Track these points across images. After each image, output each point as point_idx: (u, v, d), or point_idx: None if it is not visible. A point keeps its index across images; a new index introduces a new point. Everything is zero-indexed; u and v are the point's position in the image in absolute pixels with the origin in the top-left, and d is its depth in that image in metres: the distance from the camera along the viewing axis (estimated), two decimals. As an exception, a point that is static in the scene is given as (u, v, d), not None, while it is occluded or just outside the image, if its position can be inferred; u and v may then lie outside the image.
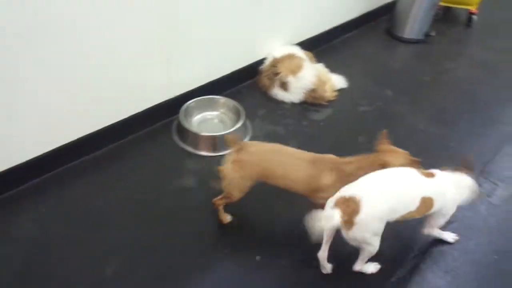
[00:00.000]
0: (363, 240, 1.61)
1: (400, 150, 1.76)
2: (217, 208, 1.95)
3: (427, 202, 1.65)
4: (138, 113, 2.44)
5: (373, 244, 1.64)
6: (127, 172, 2.27)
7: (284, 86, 2.80)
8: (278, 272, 1.84)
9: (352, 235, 1.56)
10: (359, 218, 1.52)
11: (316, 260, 1.75)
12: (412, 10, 3.54)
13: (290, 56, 2.86)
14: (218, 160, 2.08)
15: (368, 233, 1.58)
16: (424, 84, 3.19)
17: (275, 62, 2.84)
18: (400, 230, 1.94)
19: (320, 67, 3.00)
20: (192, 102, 2.56)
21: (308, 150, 1.88)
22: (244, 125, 2.50)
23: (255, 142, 1.94)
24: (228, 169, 1.78)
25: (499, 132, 2.72)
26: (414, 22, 3.60)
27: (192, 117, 2.59)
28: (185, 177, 2.25)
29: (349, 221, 1.53)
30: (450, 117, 2.85)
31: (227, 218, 2.00)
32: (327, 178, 1.71)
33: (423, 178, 1.66)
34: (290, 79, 2.77)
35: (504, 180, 2.35)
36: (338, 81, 3.00)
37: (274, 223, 2.08)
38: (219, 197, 1.91)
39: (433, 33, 3.70)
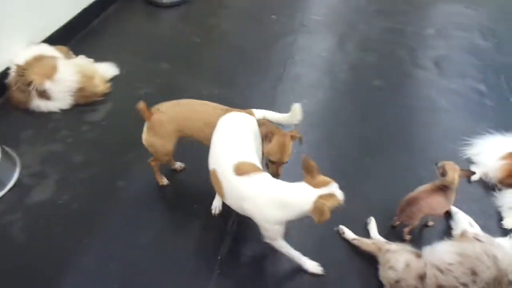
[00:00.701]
0: None
1: None
2: (153, 169, 2.03)
3: None
4: None
5: None
6: None
7: (44, 95, 2.38)
8: None
9: None
10: None
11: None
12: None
13: (39, 58, 2.42)
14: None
15: None
16: (196, 46, 3.17)
17: (22, 70, 2.37)
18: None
19: (81, 61, 2.65)
20: None
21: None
22: (5, 157, 2.04)
23: (165, 103, 1.91)
24: (145, 136, 1.87)
25: (271, 76, 2.91)
26: (167, -15, 3.48)
27: None
28: None
29: None
30: (227, 75, 2.91)
31: (163, 180, 2.08)
32: None
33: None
34: (48, 85, 2.36)
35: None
36: (107, 70, 2.71)
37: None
38: (151, 159, 1.99)
39: (190, -8, 3.67)
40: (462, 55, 3.27)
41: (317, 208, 1.45)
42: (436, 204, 1.84)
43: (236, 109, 1.87)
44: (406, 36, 3.47)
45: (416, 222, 1.87)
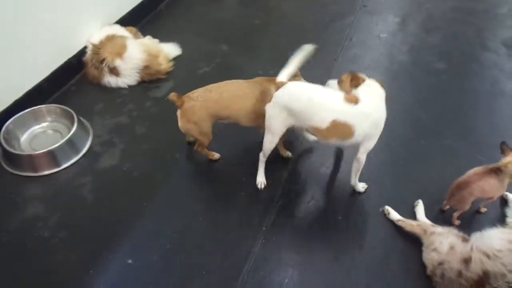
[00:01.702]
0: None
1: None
2: (202, 154, 2.18)
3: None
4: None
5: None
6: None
7: (114, 71, 2.60)
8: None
9: None
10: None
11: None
12: (224, -43, 3.50)
13: (111, 38, 2.64)
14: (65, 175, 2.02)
15: None
16: (256, 28, 3.24)
17: (96, 49, 2.61)
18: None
19: (148, 41, 2.85)
20: (10, 122, 2.25)
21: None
22: (80, 127, 2.29)
23: (196, 90, 2.03)
24: (180, 123, 2.01)
25: (327, 56, 2.91)
26: (230, -32, 3.58)
27: (19, 137, 2.29)
28: (30, 207, 2.02)
29: None
30: (284, 55, 2.93)
31: (214, 155, 2.20)
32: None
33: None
34: (118, 63, 2.58)
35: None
36: (171, 50, 2.89)
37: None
38: (195, 146, 2.17)
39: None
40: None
41: None
42: (489, 187, 1.76)
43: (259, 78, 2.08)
44: (475, 15, 3.27)
45: (466, 207, 1.82)
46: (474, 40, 3.01)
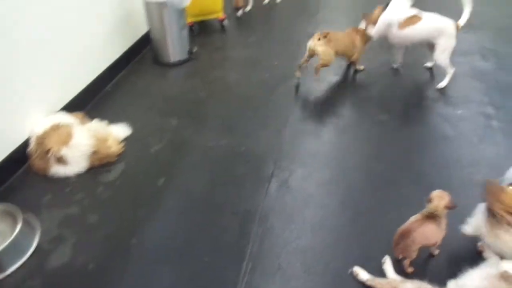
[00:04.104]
0: None
1: None
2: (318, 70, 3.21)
3: None
4: None
5: None
6: None
7: (61, 161, 2.51)
8: None
9: None
10: None
11: None
12: (166, 36, 3.61)
13: (56, 127, 2.57)
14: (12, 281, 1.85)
15: None
16: (202, 100, 3.30)
17: (41, 139, 2.52)
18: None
19: (96, 125, 2.80)
20: None
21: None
22: (26, 225, 2.14)
23: (331, 32, 3.16)
24: (322, 47, 3.11)
25: (276, 120, 2.99)
26: (173, 45, 3.69)
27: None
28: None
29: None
30: (233, 124, 3.00)
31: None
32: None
33: None
34: (65, 151, 2.50)
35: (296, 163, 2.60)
36: (120, 131, 2.85)
37: None
38: (319, 64, 3.17)
39: (195, 49, 3.86)
40: (466, 79, 3.28)
41: None
42: (430, 233, 1.82)
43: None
44: (407, 66, 3.52)
45: (413, 254, 1.84)
46: (411, 90, 3.22)
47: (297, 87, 3.35)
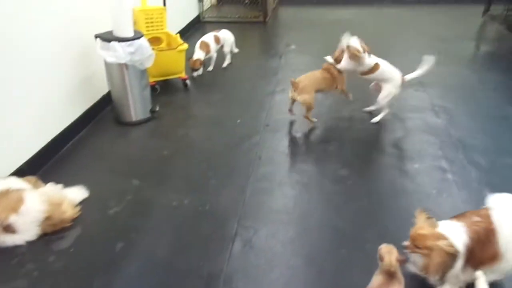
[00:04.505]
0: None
1: None
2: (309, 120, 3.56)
3: None
4: None
5: None
6: None
7: (9, 229, 2.34)
8: None
9: None
10: None
11: None
12: (128, 95, 3.61)
13: (4, 193, 2.41)
14: None
15: None
16: (166, 158, 3.26)
17: (-13, 207, 2.37)
18: None
19: (49, 189, 2.66)
20: None
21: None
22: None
23: (303, 77, 3.52)
24: (299, 95, 3.42)
25: (239, 178, 2.98)
26: (134, 105, 3.68)
27: None
28: None
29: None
30: (196, 182, 2.96)
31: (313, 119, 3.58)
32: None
33: None
34: (14, 219, 2.34)
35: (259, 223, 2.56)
36: (76, 194, 2.72)
37: None
38: (305, 114, 3.55)
39: (157, 108, 3.86)
40: (420, 134, 3.44)
41: None
42: None
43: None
44: (363, 122, 3.66)
45: None
46: (368, 145, 3.33)
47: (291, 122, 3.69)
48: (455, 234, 1.78)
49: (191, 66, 4.53)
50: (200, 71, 4.67)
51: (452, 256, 1.72)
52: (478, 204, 2.58)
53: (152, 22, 4.28)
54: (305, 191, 2.83)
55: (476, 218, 1.86)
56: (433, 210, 2.56)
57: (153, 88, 4.17)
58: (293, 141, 3.45)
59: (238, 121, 3.76)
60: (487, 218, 1.85)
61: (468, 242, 1.78)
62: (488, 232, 1.81)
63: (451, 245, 1.71)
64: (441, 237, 1.76)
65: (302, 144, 3.40)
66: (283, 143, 3.41)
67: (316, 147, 3.36)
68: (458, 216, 1.95)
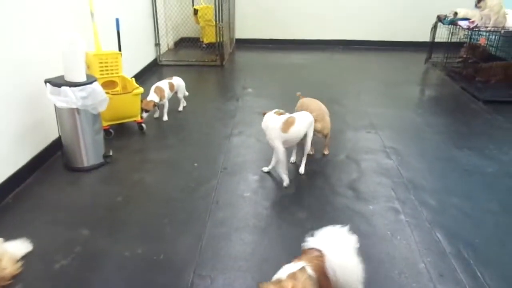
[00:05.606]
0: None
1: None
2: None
3: None
4: None
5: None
6: None
7: None
8: None
9: None
10: None
11: None
12: (79, 140, 3.49)
13: None
14: None
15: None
16: (119, 205, 3.12)
17: None
18: None
19: (-12, 243, 2.47)
20: None
21: None
22: None
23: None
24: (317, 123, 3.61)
25: (196, 224, 2.90)
26: (86, 150, 3.55)
27: None
28: None
29: None
30: (151, 230, 2.85)
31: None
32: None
33: None
34: None
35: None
36: (18, 248, 2.53)
37: None
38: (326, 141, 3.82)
39: (110, 153, 3.75)
40: (373, 175, 3.54)
41: None
42: None
43: None
44: (320, 164, 3.73)
45: None
46: (324, 187, 3.38)
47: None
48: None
49: (143, 107, 4.37)
50: (154, 114, 4.62)
51: None
52: (430, 244, 2.67)
53: (107, 67, 4.24)
54: (263, 236, 2.79)
55: (315, 253, 2.04)
56: (390, 252, 2.60)
57: (107, 132, 4.06)
58: (251, 184, 3.43)
59: (195, 164, 3.72)
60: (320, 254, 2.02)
61: (316, 276, 1.90)
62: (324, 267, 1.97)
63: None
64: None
65: (259, 187, 3.38)
66: (241, 187, 3.38)
67: (274, 190, 3.36)
68: (297, 257, 2.09)
